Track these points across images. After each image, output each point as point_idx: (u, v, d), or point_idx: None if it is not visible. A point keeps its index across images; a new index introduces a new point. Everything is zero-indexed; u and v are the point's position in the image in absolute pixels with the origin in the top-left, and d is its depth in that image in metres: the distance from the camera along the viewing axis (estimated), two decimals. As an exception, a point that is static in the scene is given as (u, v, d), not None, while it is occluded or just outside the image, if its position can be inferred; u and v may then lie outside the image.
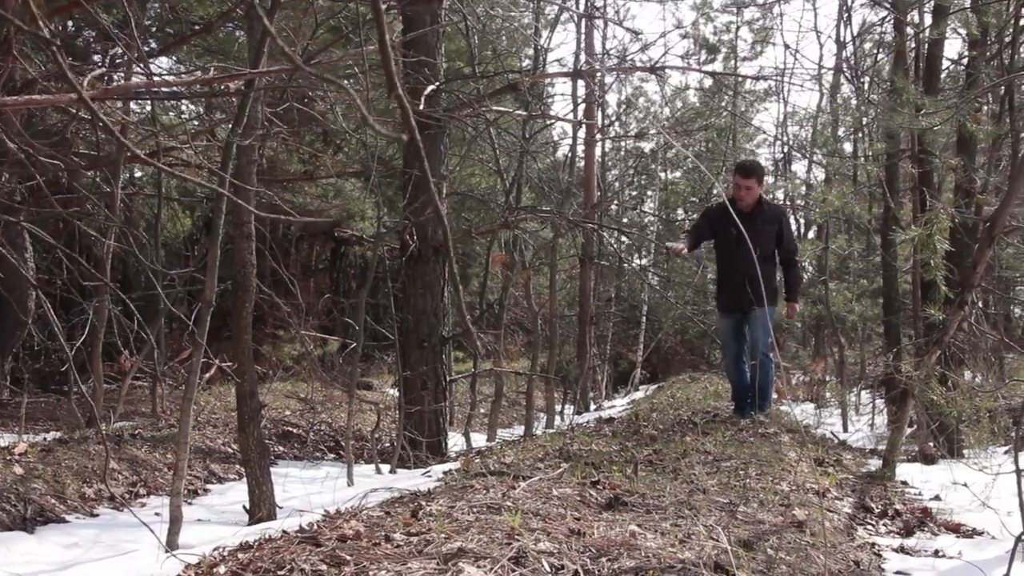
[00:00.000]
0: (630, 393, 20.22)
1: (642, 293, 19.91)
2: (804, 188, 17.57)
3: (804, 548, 3.00)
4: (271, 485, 5.81)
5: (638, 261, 24.46)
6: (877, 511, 4.53)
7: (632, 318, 23.02)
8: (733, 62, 23.75)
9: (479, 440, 10.34)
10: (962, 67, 8.86)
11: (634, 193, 26.66)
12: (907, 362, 5.31)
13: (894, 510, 4.59)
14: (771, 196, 19.42)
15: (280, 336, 15.60)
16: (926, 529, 4.31)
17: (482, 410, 13.27)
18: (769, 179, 24.08)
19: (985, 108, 8.64)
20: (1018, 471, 2.89)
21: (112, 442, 6.94)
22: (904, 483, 5.74)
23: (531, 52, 13.49)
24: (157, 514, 5.73)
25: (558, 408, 14.86)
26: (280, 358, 15.95)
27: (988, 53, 7.74)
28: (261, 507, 5.71)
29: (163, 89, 3.26)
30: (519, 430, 12.57)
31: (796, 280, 8.42)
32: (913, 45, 8.49)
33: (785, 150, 20.87)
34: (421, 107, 6.39)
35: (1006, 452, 6.90)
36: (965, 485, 5.05)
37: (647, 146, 23.91)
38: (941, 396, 5.29)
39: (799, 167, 23.02)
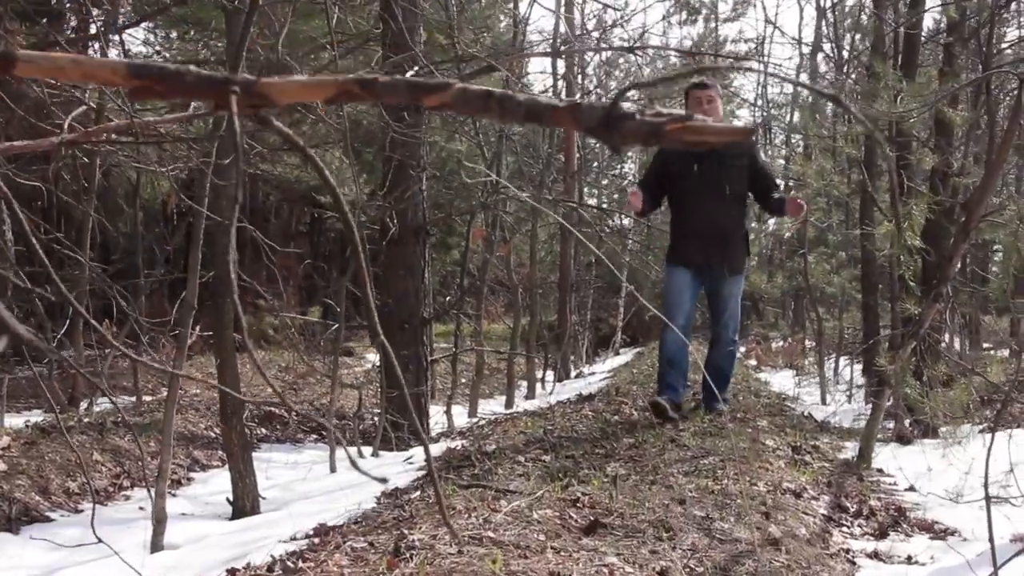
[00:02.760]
0: (611, 358, 20.33)
1: (622, 257, 19.94)
2: (784, 157, 17.60)
3: (779, 571, 3.07)
4: (254, 478, 5.87)
5: (617, 221, 24.49)
6: (852, 510, 4.61)
7: (612, 283, 23.10)
8: (714, 23, 23.73)
9: (461, 415, 10.39)
10: (940, 44, 8.86)
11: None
12: (884, 357, 5.37)
13: (869, 508, 4.67)
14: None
15: (261, 306, 15.63)
16: (900, 530, 4.39)
17: (463, 380, 13.32)
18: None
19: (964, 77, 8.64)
20: (988, 497, 2.95)
21: (95, 431, 6.97)
22: (880, 471, 5.83)
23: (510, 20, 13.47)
24: (141, 508, 5.78)
25: (539, 375, 14.95)
26: (261, 328, 16.01)
27: (965, 34, 7.76)
28: (245, 500, 5.77)
29: (142, 131, 3.27)
30: (500, 400, 12.65)
31: (782, 195, 6.66)
32: (891, 27, 8.47)
33: (764, 114, 20.86)
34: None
35: (981, 431, 7.00)
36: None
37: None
38: (916, 391, 5.37)
39: (778, 129, 23.08)
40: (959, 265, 7.77)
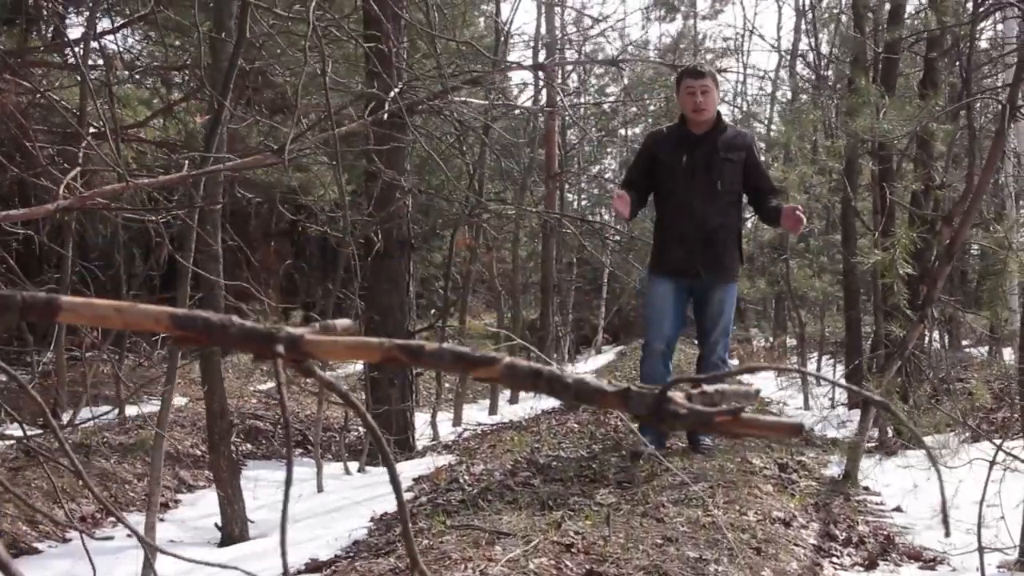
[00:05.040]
0: (593, 357, 20.39)
1: (603, 256, 20.05)
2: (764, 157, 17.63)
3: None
4: (243, 503, 5.87)
5: (598, 217, 24.53)
6: (841, 538, 4.65)
7: (594, 281, 23.17)
8: (692, 20, 23.76)
9: (445, 421, 10.39)
10: (919, 55, 8.89)
11: (595, 145, 26.59)
12: (872, 380, 5.41)
13: (858, 535, 4.71)
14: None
15: (245, 312, 15.55)
16: (889, 559, 4.43)
17: (447, 384, 13.33)
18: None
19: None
20: (980, 548, 2.98)
21: (80, 453, 6.93)
22: (866, 488, 5.87)
23: (491, 27, 13.44)
24: (129, 536, 5.76)
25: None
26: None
27: (945, 46, 7.80)
28: (233, 526, 5.77)
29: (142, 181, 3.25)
30: (484, 404, 12.69)
31: (779, 202, 6.08)
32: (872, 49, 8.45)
33: (744, 110, 20.94)
34: (385, 116, 6.32)
35: (963, 441, 7.05)
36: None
37: (607, 103, 23.88)
38: (903, 412, 5.41)
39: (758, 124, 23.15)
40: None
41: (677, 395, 0.79)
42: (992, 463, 3.65)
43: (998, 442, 3.83)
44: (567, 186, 21.89)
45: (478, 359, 0.82)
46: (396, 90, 6.60)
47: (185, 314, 0.81)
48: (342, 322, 0.85)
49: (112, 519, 6.28)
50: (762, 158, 6.41)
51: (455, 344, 0.86)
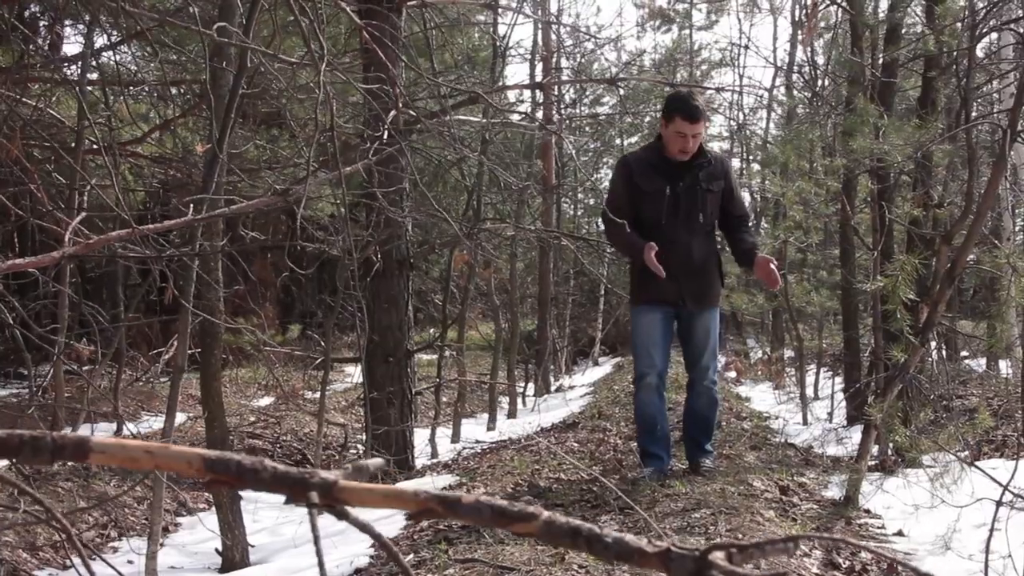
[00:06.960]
0: (590, 368, 20.37)
1: (599, 269, 20.08)
2: (760, 168, 17.66)
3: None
4: (243, 528, 5.85)
5: (594, 227, 24.50)
6: (845, 566, 4.64)
7: (591, 293, 23.18)
8: (688, 31, 23.76)
9: (444, 436, 10.39)
10: (917, 72, 8.90)
11: (591, 155, 26.58)
12: (875, 407, 5.41)
13: (861, 563, 4.70)
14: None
15: (242, 328, 15.49)
16: (893, 591, 4.43)
17: (445, 398, 13.33)
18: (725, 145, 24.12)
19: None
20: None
21: (80, 477, 6.92)
22: (867, 511, 5.86)
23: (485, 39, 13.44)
24: (130, 562, 5.74)
25: (520, 389, 14.98)
26: (241, 345, 15.92)
27: (943, 64, 7.80)
28: (234, 552, 5.76)
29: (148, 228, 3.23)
30: (483, 418, 12.69)
31: (753, 241, 6.14)
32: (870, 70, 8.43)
33: (739, 122, 20.96)
34: (386, 137, 6.30)
35: (965, 461, 7.03)
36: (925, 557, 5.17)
37: (603, 110, 23.88)
38: (904, 437, 5.41)
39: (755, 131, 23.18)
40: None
41: (718, 556, 0.79)
42: (999, 503, 3.65)
43: (1005, 471, 3.82)
44: (565, 201, 21.98)
45: (517, 514, 0.82)
46: (392, 114, 6.61)
47: (218, 457, 0.81)
48: (375, 461, 0.84)
49: (113, 544, 6.28)
50: (737, 183, 6.31)
51: (491, 499, 0.86)
